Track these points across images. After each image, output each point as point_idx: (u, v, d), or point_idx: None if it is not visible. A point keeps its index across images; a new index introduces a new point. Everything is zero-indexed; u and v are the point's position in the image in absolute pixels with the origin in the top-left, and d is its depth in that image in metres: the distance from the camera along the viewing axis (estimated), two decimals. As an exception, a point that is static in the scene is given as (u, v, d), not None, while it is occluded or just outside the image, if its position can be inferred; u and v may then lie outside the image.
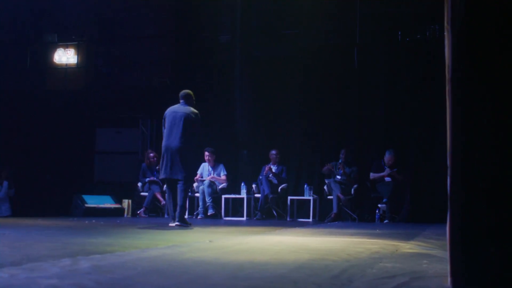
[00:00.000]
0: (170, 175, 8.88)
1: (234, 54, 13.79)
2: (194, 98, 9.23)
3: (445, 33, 2.93)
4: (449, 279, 2.81)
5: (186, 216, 10.02)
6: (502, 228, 2.69)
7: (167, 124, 9.00)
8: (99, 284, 3.06)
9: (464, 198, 2.73)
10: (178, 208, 8.81)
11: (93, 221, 10.22)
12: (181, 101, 9.11)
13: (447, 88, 2.84)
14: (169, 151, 8.87)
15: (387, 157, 12.04)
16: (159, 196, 12.83)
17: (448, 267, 2.86)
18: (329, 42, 13.63)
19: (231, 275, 3.52)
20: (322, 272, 3.67)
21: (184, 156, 8.85)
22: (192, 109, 9.01)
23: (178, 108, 9.04)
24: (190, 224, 8.97)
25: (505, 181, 2.71)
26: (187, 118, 8.87)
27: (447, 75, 2.84)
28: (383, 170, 12.05)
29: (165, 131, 9.02)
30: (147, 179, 13.10)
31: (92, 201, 12.65)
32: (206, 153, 12.77)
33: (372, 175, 12.12)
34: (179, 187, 8.87)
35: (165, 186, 12.75)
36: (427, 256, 4.80)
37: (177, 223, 8.74)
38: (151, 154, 13.29)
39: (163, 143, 9.01)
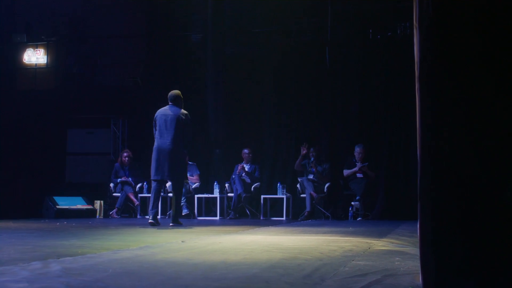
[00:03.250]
0: (165, 177, 9.19)
1: (206, 53, 13.76)
2: (182, 99, 9.46)
3: (414, 31, 2.95)
4: (420, 276, 2.82)
5: (159, 217, 10.20)
6: (472, 225, 2.71)
7: (158, 125, 9.23)
8: (70, 287, 3.03)
9: (434, 195, 2.74)
10: (176, 208, 9.26)
11: (65, 222, 10.13)
12: (170, 102, 9.36)
13: (416, 85, 2.86)
14: (161, 153, 9.10)
15: (357, 151, 12.12)
16: (132, 197, 12.78)
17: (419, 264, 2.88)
18: (300, 40, 13.65)
19: (203, 275, 3.51)
20: (295, 271, 3.67)
21: (177, 158, 9.13)
22: (182, 110, 9.30)
23: (169, 110, 9.29)
24: (182, 224, 9.32)
25: (474, 177, 2.72)
26: (178, 119, 9.14)
27: (416, 73, 2.86)
28: (355, 166, 12.11)
29: (156, 133, 9.26)
30: (119, 180, 13.03)
31: (64, 203, 12.55)
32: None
33: (346, 172, 12.16)
34: (177, 188, 9.24)
35: (138, 186, 12.83)
36: (399, 253, 4.83)
37: (171, 224, 9.12)
38: (124, 154, 13.23)
39: (155, 144, 9.22)
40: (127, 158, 13.17)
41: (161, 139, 9.11)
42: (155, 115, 9.34)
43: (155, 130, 9.29)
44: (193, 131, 13.46)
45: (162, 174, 9.09)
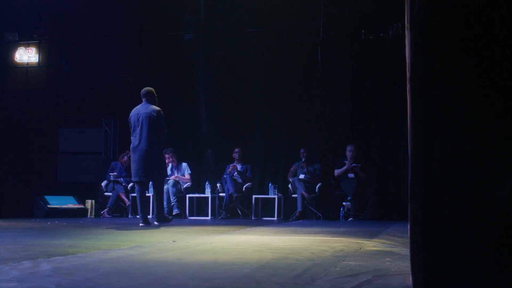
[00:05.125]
0: (142, 178, 9.09)
1: (198, 53, 13.74)
2: (156, 95, 9.26)
3: (406, 32, 2.95)
4: (411, 277, 2.83)
5: (149, 216, 10.22)
6: (462, 227, 2.71)
7: (132, 126, 9.07)
8: (60, 286, 3.02)
9: (425, 196, 2.74)
10: (158, 206, 9.18)
11: (56, 222, 10.10)
12: (143, 99, 9.17)
13: (408, 86, 2.86)
14: (137, 154, 8.97)
15: (348, 149, 12.12)
16: (123, 197, 12.76)
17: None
18: (292, 41, 13.66)
19: (194, 275, 3.50)
20: (285, 271, 3.67)
21: (153, 157, 8.98)
22: (153, 107, 9.04)
23: (141, 109, 9.09)
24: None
25: (465, 178, 2.73)
26: (150, 118, 8.91)
27: (408, 74, 2.86)
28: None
29: (131, 133, 9.10)
30: (111, 177, 12.96)
31: (55, 202, 12.51)
32: (166, 155, 12.64)
33: (337, 172, 12.16)
34: (157, 187, 9.16)
35: (129, 186, 12.78)
36: (390, 253, 4.83)
37: (155, 223, 9.07)
38: (125, 158, 13.02)
39: (131, 145, 9.09)
40: (127, 160, 13.07)
41: (135, 140, 8.97)
42: (130, 115, 9.17)
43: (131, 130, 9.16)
44: (184, 131, 13.51)
45: (140, 175, 9.01)
